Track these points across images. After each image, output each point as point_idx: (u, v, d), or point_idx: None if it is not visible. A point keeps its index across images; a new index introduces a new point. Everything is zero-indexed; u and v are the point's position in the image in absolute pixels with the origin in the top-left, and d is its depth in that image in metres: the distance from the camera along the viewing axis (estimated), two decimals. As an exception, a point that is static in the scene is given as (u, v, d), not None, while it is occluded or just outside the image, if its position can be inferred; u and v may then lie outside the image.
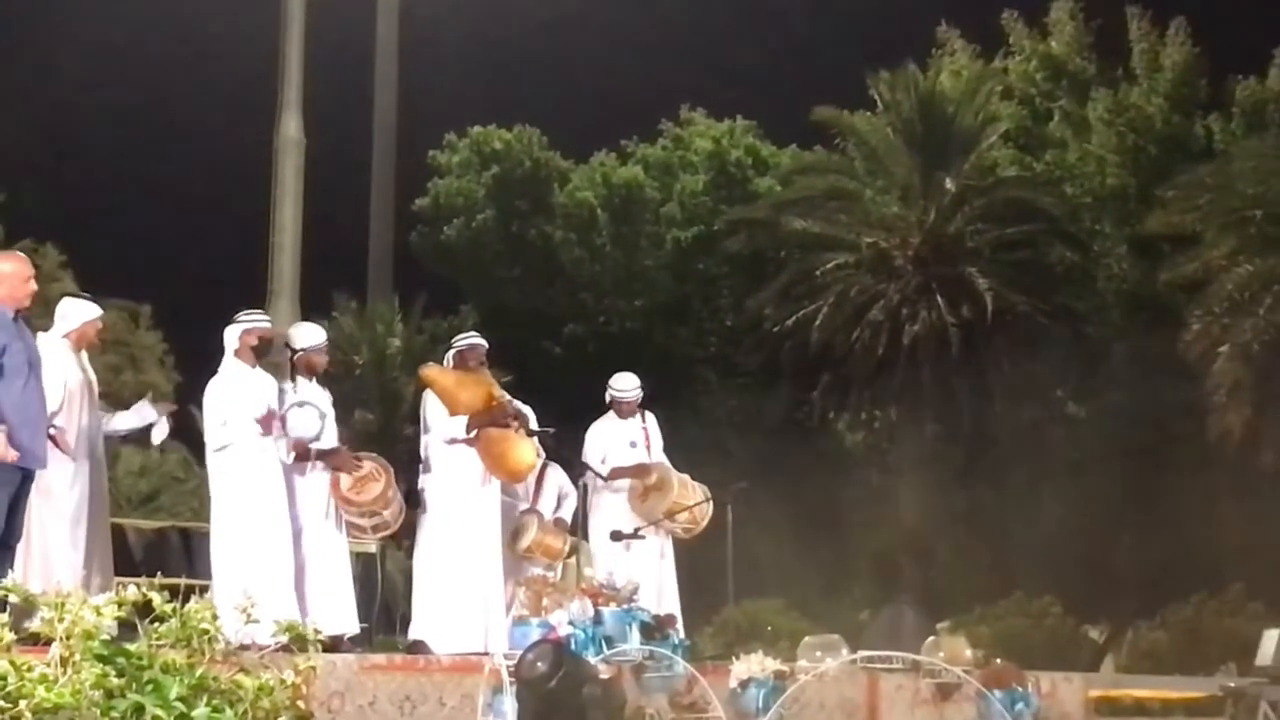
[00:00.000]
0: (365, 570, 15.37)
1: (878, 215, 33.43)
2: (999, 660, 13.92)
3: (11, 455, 10.09)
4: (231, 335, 12.55)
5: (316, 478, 12.73)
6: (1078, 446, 32.44)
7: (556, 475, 14.75)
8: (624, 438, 14.95)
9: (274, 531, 12.28)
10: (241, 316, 12.64)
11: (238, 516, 12.22)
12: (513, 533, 14.04)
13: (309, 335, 13.51)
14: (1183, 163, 33.09)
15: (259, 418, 12.37)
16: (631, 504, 14.60)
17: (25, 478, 10.42)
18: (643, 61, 42.84)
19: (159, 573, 11.81)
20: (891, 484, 33.78)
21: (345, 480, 12.64)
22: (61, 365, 11.28)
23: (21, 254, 11.39)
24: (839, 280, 32.68)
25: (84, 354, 11.79)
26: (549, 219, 40.93)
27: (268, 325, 12.90)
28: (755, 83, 43.24)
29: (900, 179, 33.50)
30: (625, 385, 15.09)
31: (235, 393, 12.36)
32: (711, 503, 14.68)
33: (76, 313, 11.72)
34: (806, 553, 29.41)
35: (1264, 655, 17.69)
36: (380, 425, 28.24)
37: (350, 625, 12.63)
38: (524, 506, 14.39)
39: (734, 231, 36.62)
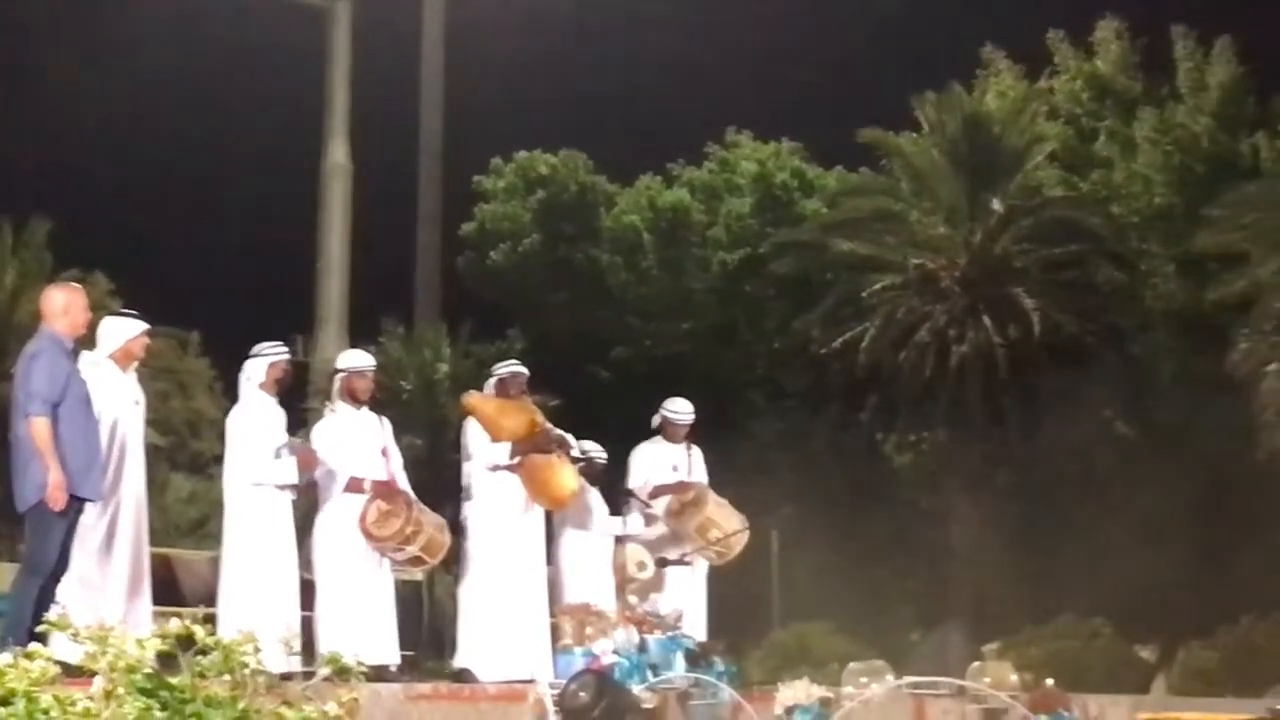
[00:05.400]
0: (412, 598, 15.39)
1: (924, 236, 33.33)
2: (1050, 682, 13.87)
3: (64, 500, 10.16)
4: (258, 368, 12.52)
5: (351, 511, 12.72)
6: (1126, 466, 32.29)
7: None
8: (668, 461, 15.00)
9: (283, 564, 12.28)
10: (265, 349, 12.60)
11: (250, 547, 12.21)
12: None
13: (351, 358, 13.60)
14: (1229, 181, 32.87)
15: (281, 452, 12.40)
16: (666, 519, 14.64)
17: (80, 509, 10.51)
18: (688, 84, 42.95)
19: (202, 604, 11.90)
20: (940, 505, 33.69)
21: (371, 514, 12.64)
22: (105, 386, 11.23)
23: (77, 285, 11.47)
24: (886, 302, 32.58)
25: (133, 375, 11.73)
26: (595, 243, 40.97)
27: (289, 356, 12.89)
28: (800, 105, 43.33)
29: (946, 200, 33.41)
30: (680, 408, 15.16)
31: (262, 425, 12.37)
32: (748, 532, 14.68)
33: (119, 330, 11.65)
34: (856, 575, 29.38)
35: (1313, 677, 17.61)
36: (427, 451, 28.23)
37: (392, 655, 12.65)
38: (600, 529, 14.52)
39: (780, 254, 36.57)
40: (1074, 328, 31.56)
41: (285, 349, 12.79)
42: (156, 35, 36.76)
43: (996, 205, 32.69)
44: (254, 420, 12.39)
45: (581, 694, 10.12)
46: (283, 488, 12.35)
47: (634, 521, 14.65)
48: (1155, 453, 31.90)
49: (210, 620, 10.32)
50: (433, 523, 12.85)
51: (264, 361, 12.53)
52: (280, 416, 12.55)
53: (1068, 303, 31.82)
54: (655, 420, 15.21)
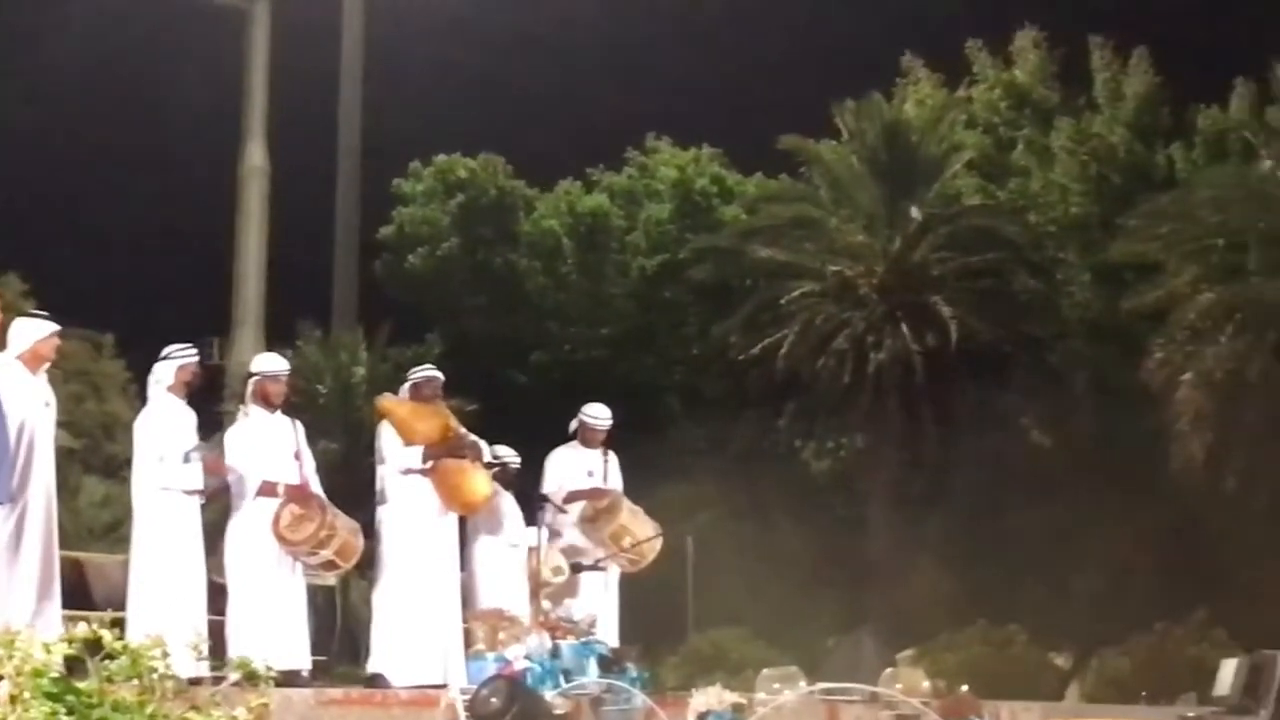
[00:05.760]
0: (325, 603, 15.33)
1: (843, 244, 33.41)
2: (965, 688, 13.96)
3: None
4: (166, 371, 12.47)
5: (264, 515, 12.66)
6: (1042, 474, 32.45)
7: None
8: (583, 466, 15.03)
9: (190, 568, 12.22)
10: (173, 352, 12.55)
11: (157, 551, 12.14)
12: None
13: (265, 361, 13.57)
14: (1145, 191, 33.15)
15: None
16: (580, 525, 14.67)
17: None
18: (608, 90, 42.84)
19: (112, 609, 11.78)
20: (857, 511, 33.77)
21: (284, 518, 12.58)
22: (14, 388, 11.12)
23: (-9, 289, 11.40)
24: (804, 309, 32.64)
25: (43, 377, 11.64)
26: (514, 247, 40.87)
27: (198, 359, 12.83)
28: (721, 111, 43.29)
29: (865, 207, 33.52)
30: (599, 414, 15.19)
31: (168, 429, 12.30)
32: (661, 539, 14.71)
33: (28, 332, 11.56)
34: (772, 581, 29.40)
35: (1222, 685, 17.75)
36: (343, 455, 28.14)
37: (303, 661, 12.59)
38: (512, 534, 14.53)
39: (699, 260, 36.62)
40: (991, 336, 31.71)
41: (194, 351, 12.74)
42: (68, 33, 36.44)
43: (915, 213, 32.83)
44: (161, 424, 12.33)
45: (493, 699, 10.11)
46: (190, 492, 12.29)
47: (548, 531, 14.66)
48: (1070, 460, 32.09)
49: (119, 624, 10.25)
50: (346, 527, 12.82)
51: (172, 364, 12.48)
52: (189, 419, 12.50)
53: (985, 311, 31.97)
54: (573, 425, 15.24)
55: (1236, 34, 35.84)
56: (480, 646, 12.45)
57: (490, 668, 11.61)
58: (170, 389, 12.45)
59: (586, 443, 15.15)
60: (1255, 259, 29.08)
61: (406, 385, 13.99)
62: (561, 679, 11.46)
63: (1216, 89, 35.46)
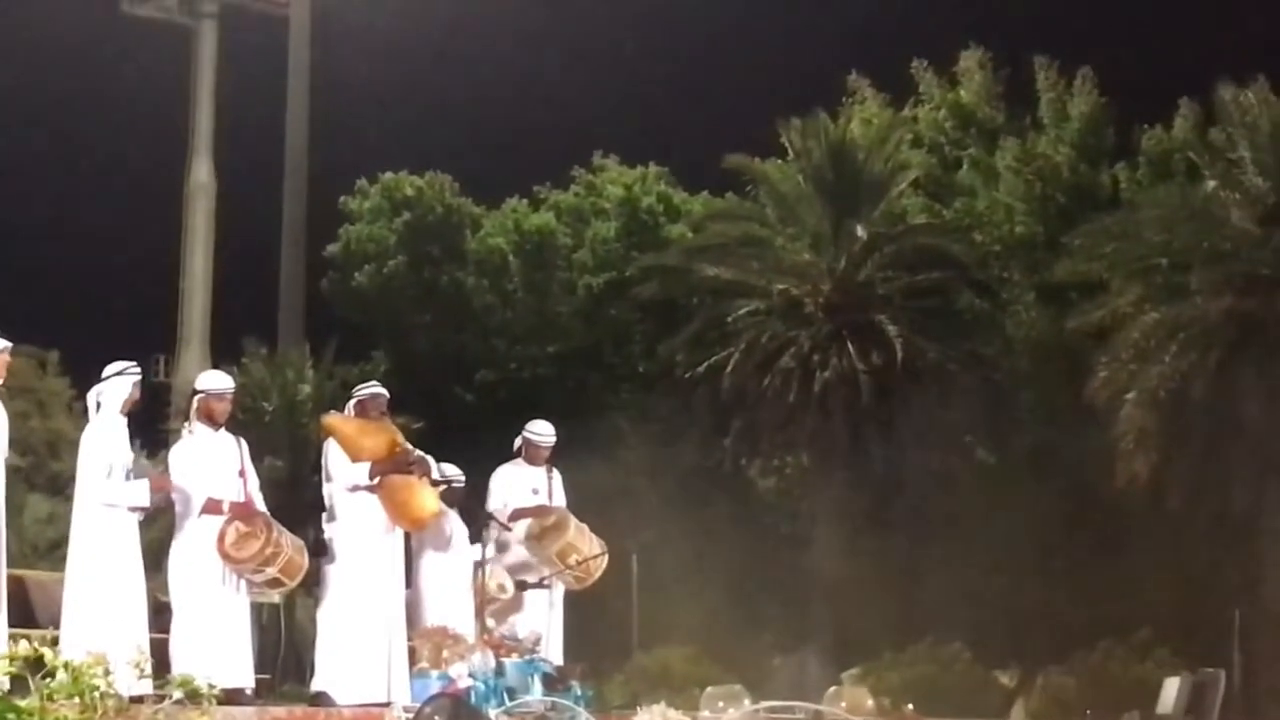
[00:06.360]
0: (270, 621, 15.28)
1: (789, 262, 33.42)
2: (910, 706, 14.00)
3: None
4: (122, 387, 12.43)
5: (208, 533, 12.63)
6: (987, 492, 32.54)
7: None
8: (528, 484, 15.03)
9: (129, 585, 12.18)
10: (128, 369, 12.51)
11: (97, 567, 12.10)
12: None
13: (210, 379, 13.52)
14: (1090, 211, 33.28)
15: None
16: (526, 543, 14.65)
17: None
18: (555, 108, 42.98)
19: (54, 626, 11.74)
20: (803, 530, 33.79)
21: (230, 535, 12.54)
22: None
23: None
24: (750, 327, 32.66)
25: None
26: (461, 265, 40.84)
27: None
28: (667, 130, 43.40)
29: (811, 226, 33.53)
30: (542, 430, 15.20)
31: (118, 446, 12.28)
32: (607, 556, 14.70)
33: None
34: (719, 599, 29.41)
35: (1164, 704, 17.87)
36: (289, 472, 28.10)
37: (246, 679, 12.54)
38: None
39: (646, 278, 36.56)
40: (936, 355, 31.77)
41: (139, 369, 12.73)
42: (11, 48, 36.31)
43: (860, 232, 32.83)
44: (111, 440, 12.31)
45: (436, 718, 10.10)
46: (134, 509, 12.25)
47: (493, 548, 14.65)
48: (1016, 479, 32.20)
49: (60, 642, 10.21)
50: (292, 544, 12.79)
51: (128, 381, 12.46)
52: (126, 436, 12.48)
53: (930, 330, 32.05)
54: (517, 442, 15.24)
55: (1181, 55, 36.14)
56: (425, 664, 12.44)
57: (434, 686, 11.61)
58: (121, 406, 12.43)
59: (531, 460, 15.15)
60: (1198, 279, 29.20)
61: (352, 402, 13.98)
62: (505, 697, 11.46)
63: (1161, 110, 35.72)
